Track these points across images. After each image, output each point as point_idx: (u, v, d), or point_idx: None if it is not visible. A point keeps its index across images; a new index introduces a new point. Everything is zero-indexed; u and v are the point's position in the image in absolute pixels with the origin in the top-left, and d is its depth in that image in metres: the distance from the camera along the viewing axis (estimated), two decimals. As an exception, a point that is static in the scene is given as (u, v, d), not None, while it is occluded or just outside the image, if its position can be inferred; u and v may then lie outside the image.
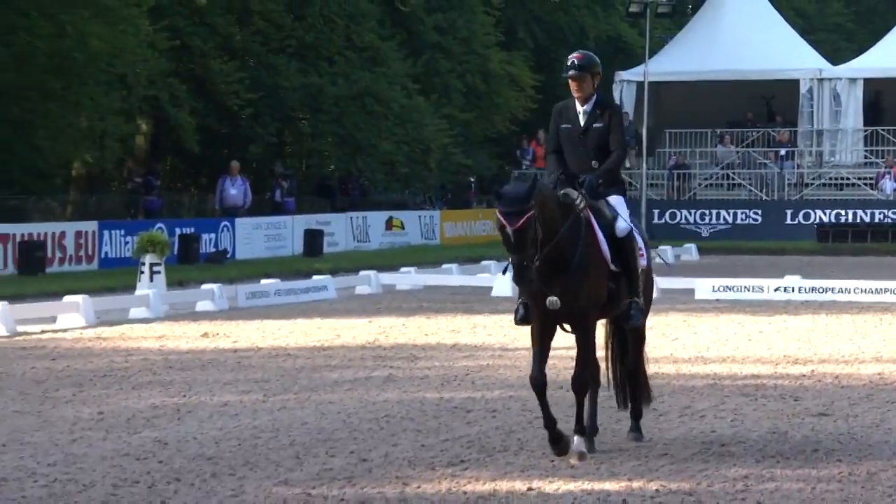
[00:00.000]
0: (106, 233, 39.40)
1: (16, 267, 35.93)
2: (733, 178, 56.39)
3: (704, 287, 31.48)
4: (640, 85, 55.64)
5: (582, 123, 13.21)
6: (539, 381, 12.74)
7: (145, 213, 45.59)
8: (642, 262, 13.19)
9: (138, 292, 28.97)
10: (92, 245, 38.71)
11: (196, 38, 47.64)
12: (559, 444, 12.76)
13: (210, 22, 47.98)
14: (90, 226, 39.34)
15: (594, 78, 13.22)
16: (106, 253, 38.97)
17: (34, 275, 35.16)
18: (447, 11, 55.98)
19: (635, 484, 12.03)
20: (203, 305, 28.66)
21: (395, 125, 52.24)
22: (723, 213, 54.73)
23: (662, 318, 25.76)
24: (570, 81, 13.16)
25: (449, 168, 56.15)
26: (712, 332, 24.10)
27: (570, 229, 12.54)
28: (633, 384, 13.93)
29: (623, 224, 13.01)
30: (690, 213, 54.99)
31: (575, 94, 13.11)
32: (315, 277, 33.05)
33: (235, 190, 45.12)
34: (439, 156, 53.93)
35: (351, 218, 49.03)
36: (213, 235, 42.74)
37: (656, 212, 54.54)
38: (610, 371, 14.03)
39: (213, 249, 41.98)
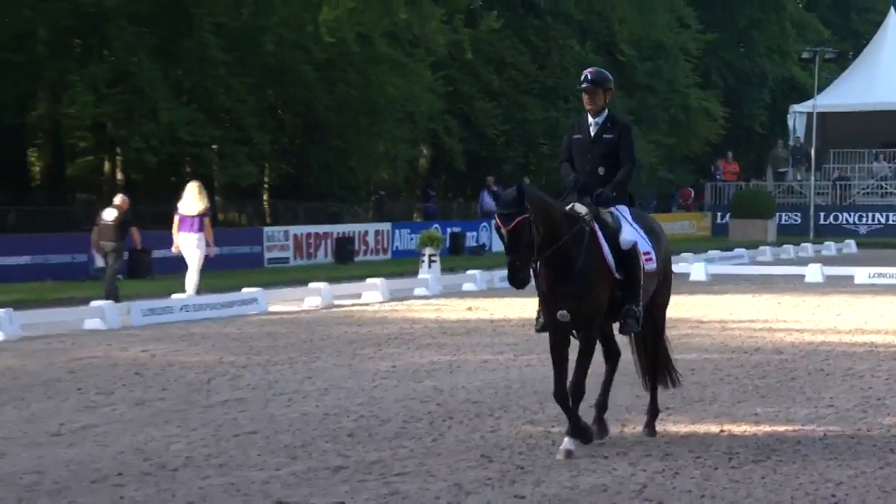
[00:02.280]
0: (397, 231, 40.12)
1: (333, 257, 37.00)
2: (886, 188, 54.88)
3: (862, 274, 30.86)
4: (809, 115, 54.72)
5: (592, 134, 11.08)
6: (561, 396, 10.65)
7: (425, 216, 46.22)
8: (650, 266, 10.92)
9: (420, 276, 29.41)
10: (387, 241, 39.40)
11: (465, 84, 48.21)
12: (593, 432, 10.93)
13: (475, 72, 48.53)
14: (385, 226, 40.07)
15: (606, 93, 11.11)
16: (396, 247, 39.62)
17: (346, 263, 36.17)
18: (655, 60, 55.73)
19: (807, 427, 11.86)
20: (468, 287, 28.87)
21: (614, 148, 52.25)
22: (877, 215, 53.34)
23: (828, 299, 25.33)
24: (583, 94, 11.12)
25: (655, 181, 56.06)
26: (869, 310, 23.53)
27: (574, 237, 10.48)
28: (654, 371, 11.77)
29: (627, 237, 10.79)
30: (850, 215, 53.70)
31: (587, 106, 11.06)
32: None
33: (490, 199, 45.37)
34: (647, 172, 53.90)
35: (578, 221, 48.89)
36: (475, 233, 43.10)
37: (822, 214, 53.40)
38: (637, 359, 11.93)
39: (475, 244, 42.30)
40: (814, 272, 31.32)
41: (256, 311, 23.58)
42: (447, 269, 32.08)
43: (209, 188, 44.48)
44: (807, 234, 50.93)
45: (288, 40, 40.09)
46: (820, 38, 59.94)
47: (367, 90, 42.68)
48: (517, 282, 10.15)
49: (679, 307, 23.94)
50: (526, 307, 24.05)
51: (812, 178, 53.60)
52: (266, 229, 37.12)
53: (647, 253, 10.90)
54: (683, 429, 11.77)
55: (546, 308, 10.67)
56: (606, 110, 11.11)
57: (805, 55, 55.69)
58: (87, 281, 28.66)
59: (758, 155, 61.51)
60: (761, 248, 41.42)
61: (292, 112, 44.25)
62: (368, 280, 27.02)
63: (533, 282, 10.53)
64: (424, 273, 29.83)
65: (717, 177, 56.43)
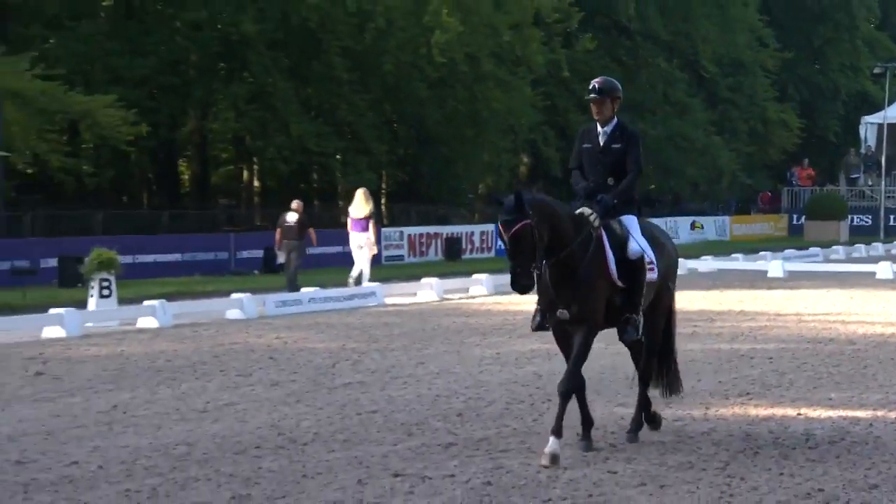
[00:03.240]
0: (500, 232, 40.13)
1: (443, 255, 37.13)
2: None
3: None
4: (880, 126, 53.75)
5: (601, 143, 10.02)
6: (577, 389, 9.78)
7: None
8: (652, 276, 9.93)
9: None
10: (491, 240, 39.33)
11: (561, 99, 48.09)
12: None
13: (570, 88, 48.42)
14: (490, 227, 40.01)
15: (613, 102, 10.05)
16: (500, 245, 39.53)
17: (454, 260, 36.25)
18: (736, 76, 55.21)
19: (879, 412, 11.63)
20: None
21: (698, 157, 51.88)
22: (943, 216, 52.60)
23: None
24: (591, 104, 10.06)
25: (736, 186, 55.54)
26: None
27: (582, 243, 9.54)
28: (645, 378, 10.55)
29: (635, 246, 9.78)
30: (920, 218, 53.02)
31: (595, 116, 10.02)
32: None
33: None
34: (729, 178, 53.52)
35: (666, 222, 48.48)
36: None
37: (892, 216, 52.48)
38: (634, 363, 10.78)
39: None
40: (884, 269, 30.73)
41: (375, 303, 23.71)
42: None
43: (333, 194, 45.36)
44: (877, 235, 50.03)
45: (404, 61, 40.51)
46: (891, 55, 58.86)
47: (474, 105, 42.98)
48: (519, 287, 9.19)
49: (758, 301, 23.70)
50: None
51: (882, 182, 52.68)
52: (383, 230, 37.32)
53: (651, 262, 9.91)
54: (763, 412, 11.61)
55: (548, 308, 9.65)
56: (615, 119, 10.10)
57: (877, 70, 54.76)
58: (228, 275, 29.05)
59: (831, 162, 60.58)
60: (834, 247, 40.76)
61: (406, 125, 44.73)
62: (475, 276, 27.02)
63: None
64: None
65: (794, 182, 55.68)
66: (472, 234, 39.26)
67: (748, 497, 8.33)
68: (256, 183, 48.03)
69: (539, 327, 9.88)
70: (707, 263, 34.00)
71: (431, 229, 38.25)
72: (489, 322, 20.13)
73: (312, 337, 18.18)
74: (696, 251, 39.29)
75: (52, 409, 11.99)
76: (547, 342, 17.05)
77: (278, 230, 26.05)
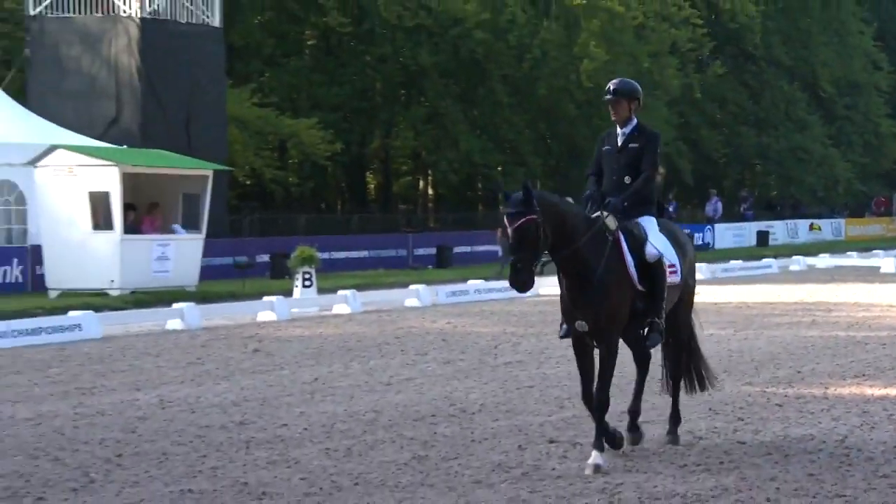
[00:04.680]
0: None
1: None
2: None
3: None
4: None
5: (619, 143, 8.47)
6: (588, 399, 8.31)
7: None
8: (675, 279, 8.47)
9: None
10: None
11: (693, 117, 47.59)
12: (623, 437, 8.55)
13: (702, 107, 47.84)
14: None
15: (630, 103, 8.44)
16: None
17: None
18: (852, 96, 53.51)
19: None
20: (696, 275, 28.29)
21: (816, 167, 50.54)
22: None
23: None
24: (608, 105, 8.55)
25: (851, 192, 53.87)
26: None
27: (591, 245, 8.01)
28: (677, 377, 9.26)
29: (652, 249, 8.25)
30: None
31: (612, 118, 8.49)
32: (763, 260, 32.14)
33: (712, 206, 44.55)
34: (845, 185, 52.00)
35: (787, 224, 47.40)
36: (701, 234, 42.19)
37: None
38: (664, 365, 9.41)
39: (700, 243, 41.46)
40: None
41: (531, 294, 23.57)
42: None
43: (495, 201, 45.77)
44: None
45: (557, 86, 40.73)
46: None
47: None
48: (518, 283, 7.76)
49: (872, 293, 22.88)
50: (750, 293, 23.47)
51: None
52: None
53: (672, 265, 8.43)
54: (877, 392, 11.18)
55: (566, 317, 8.24)
56: (635, 120, 8.52)
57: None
58: (406, 269, 29.36)
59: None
60: (942, 246, 39.19)
61: (558, 140, 44.76)
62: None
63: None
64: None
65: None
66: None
67: (865, 467, 8.05)
68: (430, 191, 48.72)
69: (566, 335, 8.32)
70: (824, 260, 33.01)
71: None
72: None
73: (478, 322, 18.22)
74: (814, 250, 38.23)
75: (266, 379, 12.29)
76: None
77: (499, 229, 26.77)
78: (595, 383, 8.13)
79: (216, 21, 28.38)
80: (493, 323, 18.04)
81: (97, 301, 20.23)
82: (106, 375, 12.62)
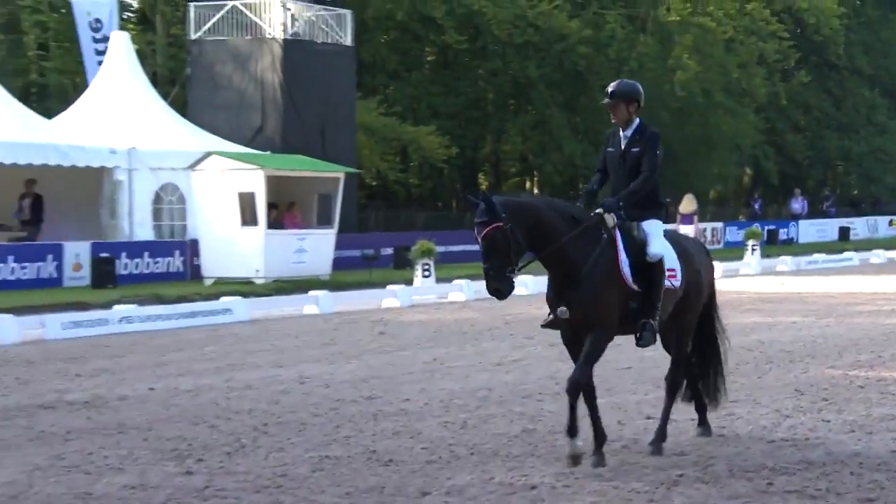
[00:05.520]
0: (727, 228, 38.86)
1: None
2: None
3: None
4: None
5: (622, 147, 7.55)
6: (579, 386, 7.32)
7: (748, 217, 44.56)
8: (673, 284, 7.52)
9: (745, 260, 28.15)
10: (720, 234, 38.11)
11: (779, 122, 46.47)
12: (572, 454, 7.24)
13: (787, 113, 46.74)
14: (718, 224, 38.83)
15: (629, 105, 7.49)
16: (727, 239, 38.27)
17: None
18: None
19: None
20: (780, 268, 27.67)
21: (896, 167, 49.23)
22: None
23: None
24: (609, 108, 7.64)
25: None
26: None
27: (579, 242, 7.16)
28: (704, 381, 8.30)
29: (655, 251, 7.37)
30: None
31: (612, 120, 7.58)
32: (845, 253, 31.23)
33: (798, 204, 43.41)
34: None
35: (867, 220, 45.86)
36: (786, 230, 41.21)
37: None
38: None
39: (785, 237, 40.45)
40: None
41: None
42: (764, 255, 30.80)
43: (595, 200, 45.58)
44: None
45: (651, 94, 39.67)
46: None
47: (706, 129, 42.19)
48: (492, 290, 7.01)
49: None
50: (832, 283, 22.79)
51: None
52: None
53: (672, 270, 7.53)
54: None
55: (549, 305, 7.38)
56: (636, 122, 7.56)
57: None
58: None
59: None
60: None
61: (653, 145, 44.37)
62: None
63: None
64: (748, 258, 28.68)
65: None
66: (705, 229, 38.22)
67: (944, 444, 7.77)
68: (536, 191, 48.55)
69: (548, 324, 7.45)
70: (904, 254, 32.02)
71: (672, 226, 37.40)
72: (718, 299, 19.41)
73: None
74: (893, 244, 36.97)
75: (391, 359, 12.39)
76: (766, 316, 16.46)
77: None
78: (574, 369, 7.28)
79: (348, 41, 28.77)
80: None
81: (245, 288, 20.66)
82: (252, 354, 12.89)
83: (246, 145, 25.88)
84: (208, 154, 22.84)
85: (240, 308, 16.65)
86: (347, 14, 28.91)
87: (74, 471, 7.16)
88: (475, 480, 6.93)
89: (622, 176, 7.54)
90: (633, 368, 11.47)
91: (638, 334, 7.46)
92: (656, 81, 40.11)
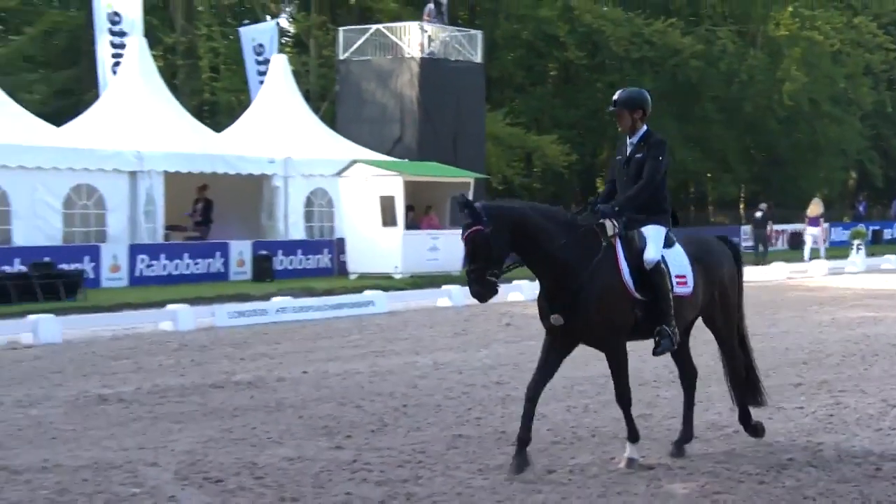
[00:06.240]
0: (833, 229, 37.32)
1: (788, 245, 35.16)
2: None
3: None
4: None
5: (627, 154, 6.83)
6: (533, 393, 6.64)
7: (853, 218, 42.79)
8: (683, 291, 6.77)
9: (850, 258, 26.93)
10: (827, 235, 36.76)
11: (885, 128, 44.47)
12: (518, 458, 6.56)
13: (893, 120, 44.71)
14: (825, 225, 37.38)
15: (632, 113, 6.78)
16: (833, 239, 36.78)
17: (798, 249, 33.92)
18: None
19: None
20: (885, 266, 26.38)
21: None
22: None
23: None
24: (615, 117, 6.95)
25: None
26: None
27: (575, 249, 6.45)
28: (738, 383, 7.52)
29: (649, 256, 6.59)
30: None
31: (619, 128, 6.93)
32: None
33: (898, 207, 41.85)
34: None
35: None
36: (891, 230, 39.53)
37: None
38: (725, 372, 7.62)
39: (890, 237, 38.68)
40: None
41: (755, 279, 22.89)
42: (869, 254, 29.51)
43: (704, 201, 44.49)
44: None
45: (760, 104, 39.53)
46: None
47: (814, 136, 40.99)
48: (472, 292, 6.36)
49: None
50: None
51: None
52: (742, 227, 36.00)
53: (682, 276, 6.76)
54: None
55: (540, 315, 6.73)
56: (642, 130, 6.83)
57: None
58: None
59: None
60: None
61: (761, 151, 43.21)
62: (814, 261, 25.33)
63: None
64: (853, 256, 27.49)
65: None
66: (804, 231, 36.96)
67: None
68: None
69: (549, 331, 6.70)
70: None
71: (778, 227, 36.20)
72: (825, 295, 18.77)
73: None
74: None
75: (517, 348, 12.37)
76: (872, 311, 15.75)
77: (751, 225, 29.09)
78: (614, 387, 6.82)
79: (478, 58, 28.91)
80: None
81: (385, 283, 20.95)
82: (392, 342, 13.04)
83: (386, 154, 26.29)
84: (353, 162, 23.27)
85: (381, 301, 16.88)
86: (478, 34, 29.11)
87: (241, 443, 7.39)
88: (596, 460, 6.88)
89: (626, 183, 6.80)
90: (743, 360, 11.14)
91: (655, 340, 6.73)
92: (765, 92, 39.33)
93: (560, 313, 6.48)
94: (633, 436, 6.73)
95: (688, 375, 7.38)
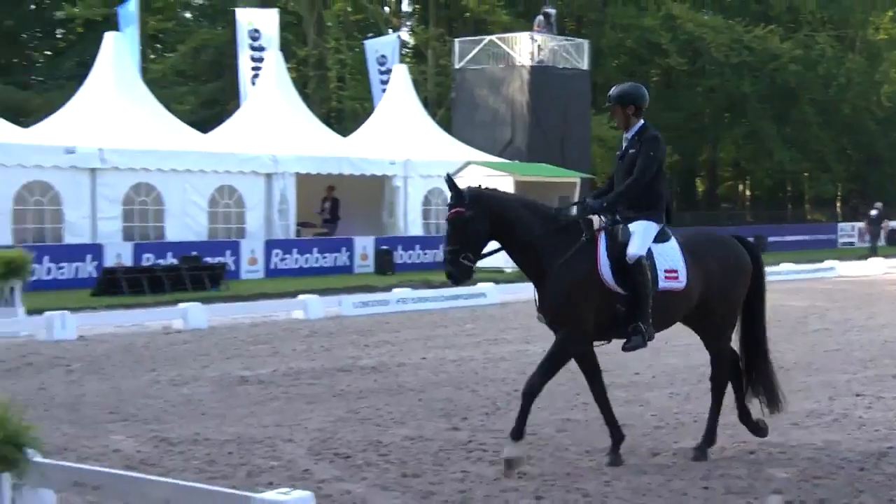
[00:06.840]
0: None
1: (885, 241, 32.84)
2: None
3: None
4: None
5: (622, 149, 6.30)
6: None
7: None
8: (673, 285, 6.10)
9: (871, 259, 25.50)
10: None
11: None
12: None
13: None
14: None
15: (625, 109, 6.21)
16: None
17: (893, 245, 32.25)
18: None
19: None
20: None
21: None
22: None
23: None
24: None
25: None
26: None
27: (552, 241, 5.99)
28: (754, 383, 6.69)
29: (632, 251, 6.00)
30: None
31: (615, 123, 6.58)
32: None
33: None
34: None
35: None
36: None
37: None
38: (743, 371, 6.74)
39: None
40: None
41: (833, 275, 21.78)
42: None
43: (801, 200, 42.88)
44: None
45: (858, 106, 37.90)
46: None
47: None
48: (447, 273, 5.99)
49: None
50: None
51: None
52: (839, 224, 34.53)
53: (673, 271, 6.13)
54: None
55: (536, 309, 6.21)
56: (638, 125, 6.27)
57: None
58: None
59: None
60: None
61: (858, 151, 41.32)
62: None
63: None
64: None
65: None
66: (897, 227, 35.17)
67: None
68: (748, 193, 46.64)
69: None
70: None
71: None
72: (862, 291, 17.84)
73: (789, 297, 17.00)
74: None
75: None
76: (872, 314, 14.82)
77: (865, 223, 29.05)
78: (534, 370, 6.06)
79: (585, 66, 28.61)
80: (802, 298, 16.81)
81: (496, 276, 20.95)
82: (504, 331, 13.02)
83: (498, 156, 26.30)
84: (468, 164, 23.34)
85: (492, 293, 16.89)
86: (584, 43, 28.82)
87: (367, 423, 7.51)
88: (698, 445, 6.70)
89: (621, 176, 6.24)
90: (842, 350, 10.72)
91: (627, 337, 6.08)
92: (863, 94, 37.83)
93: (538, 305, 6.04)
94: (518, 434, 5.92)
95: (732, 364, 6.64)
